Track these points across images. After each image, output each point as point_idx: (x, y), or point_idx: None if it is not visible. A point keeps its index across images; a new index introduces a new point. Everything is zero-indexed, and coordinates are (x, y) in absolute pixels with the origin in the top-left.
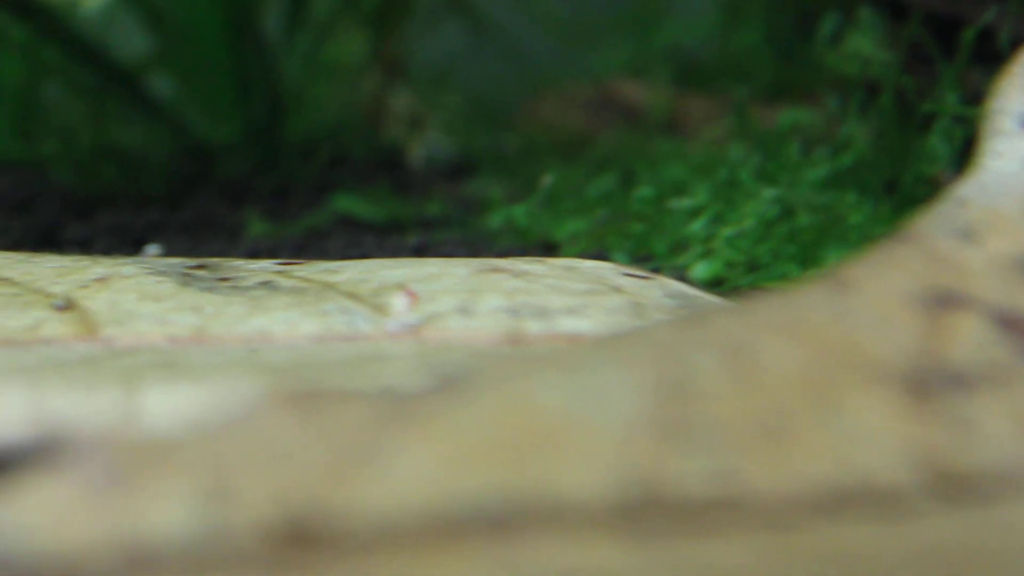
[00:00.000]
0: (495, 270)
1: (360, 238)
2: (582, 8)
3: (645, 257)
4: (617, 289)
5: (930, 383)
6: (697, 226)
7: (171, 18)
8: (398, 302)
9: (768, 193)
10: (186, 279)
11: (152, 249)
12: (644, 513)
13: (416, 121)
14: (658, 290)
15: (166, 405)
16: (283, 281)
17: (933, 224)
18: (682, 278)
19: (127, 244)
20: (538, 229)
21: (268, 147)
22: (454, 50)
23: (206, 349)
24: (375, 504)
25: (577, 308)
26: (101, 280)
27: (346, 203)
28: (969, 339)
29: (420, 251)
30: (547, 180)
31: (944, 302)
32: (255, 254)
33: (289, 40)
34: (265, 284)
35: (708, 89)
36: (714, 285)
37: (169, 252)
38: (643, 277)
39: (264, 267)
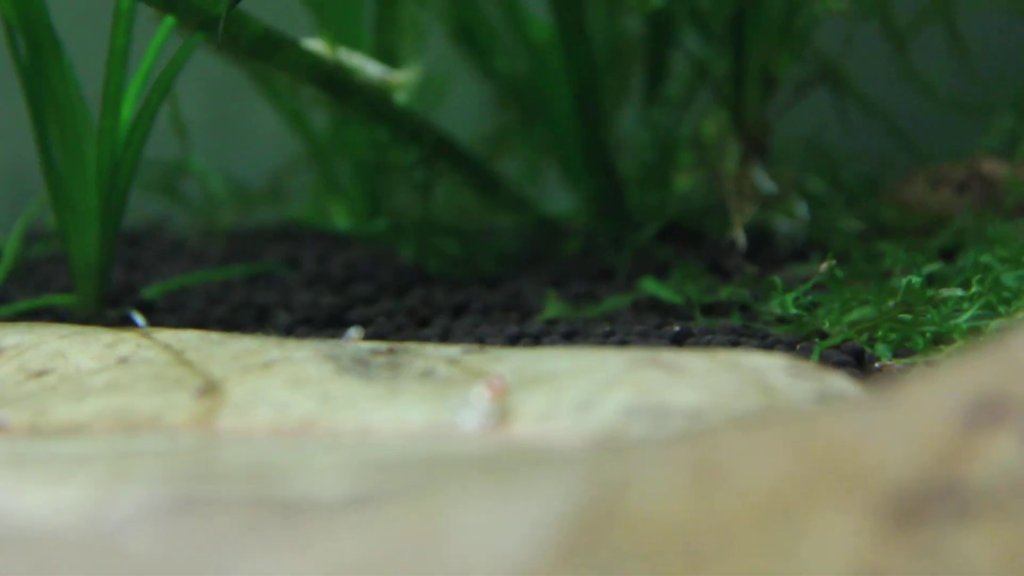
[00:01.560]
0: (653, 363)
1: (637, 324)
2: (974, 81)
3: (904, 352)
4: (766, 391)
5: (926, 507)
6: (962, 319)
7: (519, 95)
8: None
9: None
10: (355, 365)
11: (352, 332)
12: None
13: (754, 199)
14: (814, 395)
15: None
16: (444, 369)
17: None
18: None
19: (412, 325)
20: (813, 318)
21: (611, 225)
22: (824, 124)
23: (266, 444)
24: None
25: (700, 412)
26: (266, 365)
27: (650, 286)
28: (999, 457)
29: (679, 340)
30: (824, 267)
31: (991, 413)
32: (516, 339)
33: (645, 116)
34: (426, 373)
35: None
36: None
37: (449, 335)
38: (808, 379)
39: (447, 354)
